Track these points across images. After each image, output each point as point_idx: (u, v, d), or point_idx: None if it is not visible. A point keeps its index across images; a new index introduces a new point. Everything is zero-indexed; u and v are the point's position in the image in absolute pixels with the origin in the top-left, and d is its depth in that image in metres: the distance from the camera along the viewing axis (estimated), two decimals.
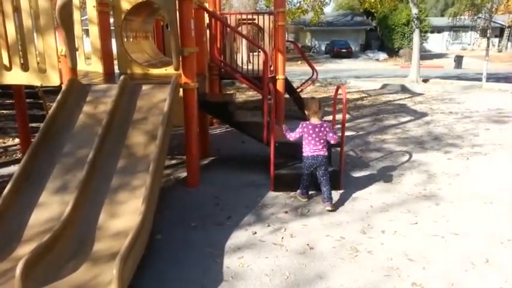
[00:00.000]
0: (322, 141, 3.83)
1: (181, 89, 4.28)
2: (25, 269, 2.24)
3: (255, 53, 8.08)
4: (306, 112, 3.93)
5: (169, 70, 5.11)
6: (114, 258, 2.43)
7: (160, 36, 7.45)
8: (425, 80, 15.07)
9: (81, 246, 2.75)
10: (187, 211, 3.82)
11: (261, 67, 6.50)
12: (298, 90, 8.42)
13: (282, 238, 3.32)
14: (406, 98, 11.36)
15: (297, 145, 4.09)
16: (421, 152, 5.81)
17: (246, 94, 11.54)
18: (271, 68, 6.60)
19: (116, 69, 5.34)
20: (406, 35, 30.45)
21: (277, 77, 6.44)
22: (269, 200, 4.08)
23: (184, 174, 4.71)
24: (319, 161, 3.85)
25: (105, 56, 5.15)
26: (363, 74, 19.06)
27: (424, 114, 8.69)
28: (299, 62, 23.49)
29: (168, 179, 4.71)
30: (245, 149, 5.89)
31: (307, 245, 3.22)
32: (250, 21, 7.15)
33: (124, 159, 3.47)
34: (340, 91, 4.32)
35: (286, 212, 3.81)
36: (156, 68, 5.30)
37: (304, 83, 8.92)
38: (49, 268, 2.44)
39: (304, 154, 3.93)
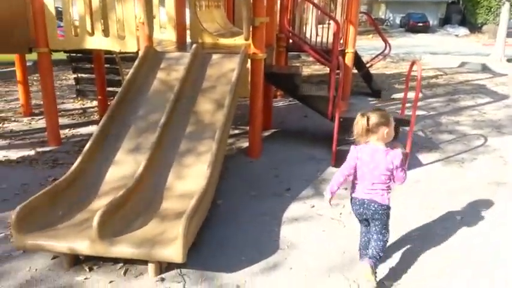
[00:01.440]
0: (383, 177, 2.37)
1: (248, 60, 4.32)
2: (101, 219, 2.45)
3: (324, 25, 7.84)
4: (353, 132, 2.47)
5: (238, 41, 5.14)
6: (180, 217, 2.60)
7: (230, 5, 7.47)
8: (510, 60, 13.68)
9: (151, 204, 2.96)
10: (248, 180, 3.93)
11: (329, 40, 6.33)
12: (368, 65, 8.09)
13: (340, 214, 3.31)
14: (486, 78, 10.44)
15: None
16: (498, 137, 5.38)
17: (311, 68, 11.31)
18: (341, 41, 6.38)
19: (188, 38, 5.49)
20: (492, 10, 27.61)
21: (346, 51, 6.23)
22: (329, 175, 4.05)
23: (246, 144, 4.81)
24: (371, 211, 2.41)
25: (179, 24, 5.29)
26: (439, 51, 17.74)
27: (504, 97, 7.96)
28: (370, 36, 22.40)
29: (230, 148, 4.84)
30: (307, 123, 5.85)
31: None
32: None
33: (192, 126, 3.62)
34: (415, 67, 4.08)
35: (346, 189, 3.75)
36: (225, 38, 5.36)
37: (374, 58, 8.53)
38: (122, 221, 2.66)
39: (352, 194, 2.54)
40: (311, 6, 7.28)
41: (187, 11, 5.36)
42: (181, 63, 4.15)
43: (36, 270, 2.54)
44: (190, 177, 3.19)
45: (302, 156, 4.54)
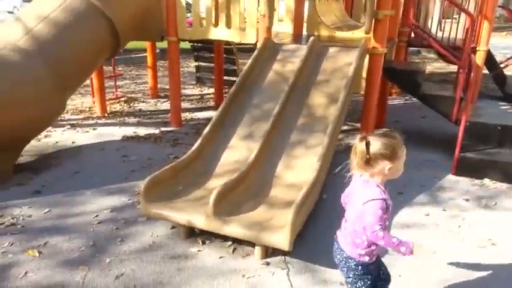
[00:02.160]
0: (354, 226, 1.79)
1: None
2: (217, 198, 2.61)
3: (448, 20, 7.16)
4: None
5: (356, 34, 4.98)
6: (288, 206, 2.65)
7: None
8: None
9: (260, 190, 3.06)
10: None
11: (455, 36, 5.77)
12: (502, 65, 7.17)
13: (459, 226, 3.02)
14: None
15: (494, 129, 3.55)
16: None
17: (432, 65, 10.44)
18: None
19: (304, 31, 5.50)
20: None
21: (478, 48, 5.61)
22: (448, 183, 3.72)
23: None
24: (341, 262, 1.90)
25: (297, 17, 5.33)
26: None
27: None
28: (504, 33, 19.83)
29: (338, 144, 4.73)
30: (426, 125, 5.43)
31: (489, 239, 2.86)
32: None
33: (304, 118, 3.63)
34: None
35: (467, 200, 3.42)
36: (342, 31, 5.24)
37: (510, 58, 7.53)
38: (234, 202, 2.80)
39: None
40: None
41: (306, 4, 5.37)
42: (297, 55, 4.18)
43: (157, 236, 2.82)
44: (299, 169, 3.22)
45: (418, 160, 4.23)
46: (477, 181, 3.74)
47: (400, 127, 5.31)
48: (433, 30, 6.41)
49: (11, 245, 2.68)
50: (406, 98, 6.69)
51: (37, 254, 2.59)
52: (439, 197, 3.45)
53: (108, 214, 3.11)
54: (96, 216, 3.07)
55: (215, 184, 3.00)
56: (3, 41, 3.60)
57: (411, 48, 9.45)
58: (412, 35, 6.16)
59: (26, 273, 2.41)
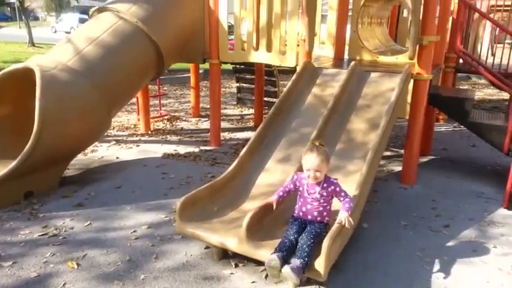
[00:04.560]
0: None
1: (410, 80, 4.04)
2: (250, 221, 2.57)
3: (500, 45, 6.86)
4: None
5: (400, 59, 4.88)
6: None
7: (394, 21, 7.15)
8: None
9: None
10: (398, 208, 3.65)
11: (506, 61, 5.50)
12: None
13: None
14: None
15: None
16: None
17: (483, 91, 10.02)
18: None
19: (346, 55, 5.45)
20: None
21: None
22: (499, 218, 3.47)
23: (398, 168, 4.50)
24: None
25: (338, 41, 5.31)
26: None
27: None
28: None
29: (381, 170, 4.59)
30: (475, 154, 5.16)
31: None
32: (508, 8, 6.05)
33: (343, 144, 3.56)
34: None
35: None
36: (386, 56, 5.15)
37: None
38: (268, 226, 2.75)
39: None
40: (487, 23, 6.47)
41: (348, 28, 5.34)
42: (337, 79, 4.13)
43: (190, 255, 2.82)
44: None
45: (466, 191, 4.01)
46: None
47: (448, 155, 5.12)
48: (484, 55, 6.18)
49: (53, 255, 2.78)
50: (455, 125, 6.42)
51: (76, 266, 2.66)
52: (488, 233, 3.22)
53: (145, 230, 3.16)
54: (134, 231, 3.13)
55: (250, 206, 2.97)
56: (55, 60, 3.82)
57: (460, 74, 9.17)
58: (461, 60, 5.97)
59: (64, 284, 2.47)
